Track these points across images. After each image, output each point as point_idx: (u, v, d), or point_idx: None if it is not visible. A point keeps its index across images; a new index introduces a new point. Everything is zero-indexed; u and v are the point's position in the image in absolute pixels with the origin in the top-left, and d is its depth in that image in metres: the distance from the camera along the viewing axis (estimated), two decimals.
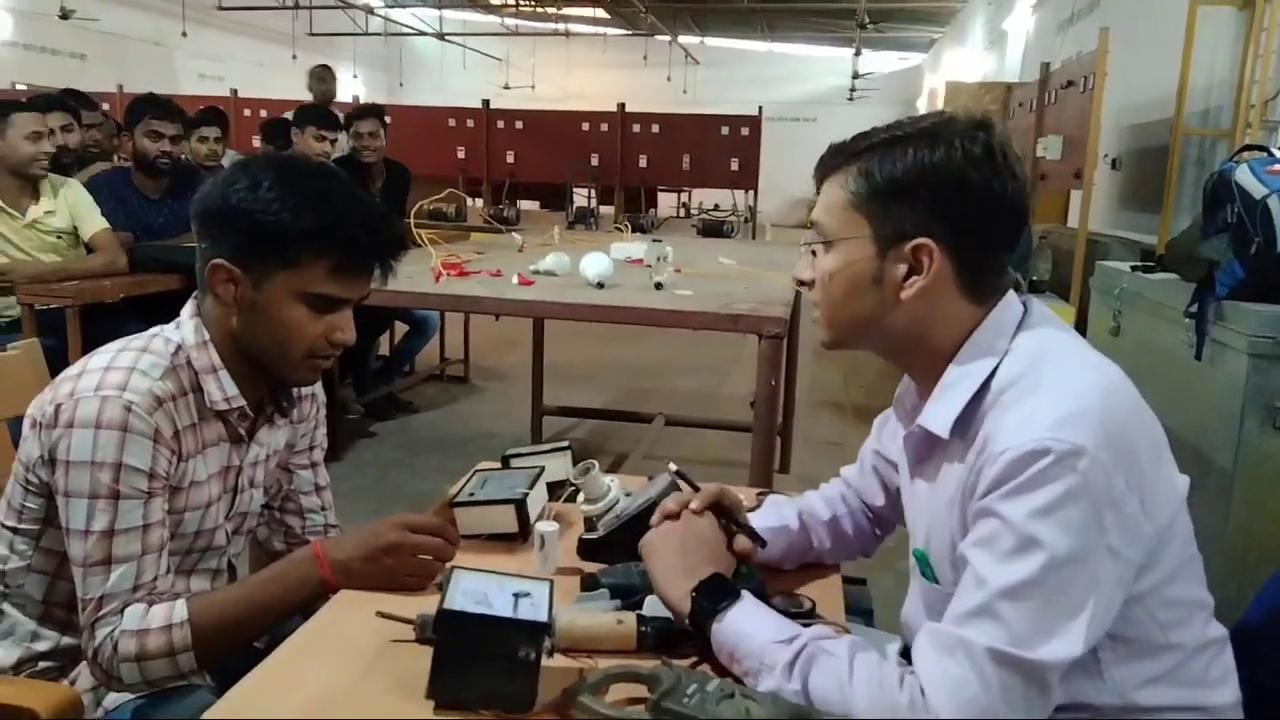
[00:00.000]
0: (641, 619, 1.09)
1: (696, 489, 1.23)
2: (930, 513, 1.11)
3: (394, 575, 1.23)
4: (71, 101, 4.50)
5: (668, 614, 1.09)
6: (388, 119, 4.89)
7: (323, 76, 6.10)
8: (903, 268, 1.04)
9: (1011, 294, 1.08)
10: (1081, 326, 3.97)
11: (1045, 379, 0.99)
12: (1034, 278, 4.76)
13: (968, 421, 1.03)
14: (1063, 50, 7.20)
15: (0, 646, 1.29)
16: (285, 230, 1.20)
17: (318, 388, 1.51)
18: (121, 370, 1.20)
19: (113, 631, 1.16)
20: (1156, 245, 4.14)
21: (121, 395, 1.18)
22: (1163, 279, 2.82)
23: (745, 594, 1.05)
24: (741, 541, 1.21)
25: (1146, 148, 5.52)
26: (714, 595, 1.05)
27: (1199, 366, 2.40)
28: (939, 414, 1.05)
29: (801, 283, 1.13)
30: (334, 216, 1.22)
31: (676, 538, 1.14)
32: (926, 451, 1.11)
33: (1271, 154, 2.43)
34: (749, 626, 1.02)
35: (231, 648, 1.21)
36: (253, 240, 1.22)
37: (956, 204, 1.02)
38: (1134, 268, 3.12)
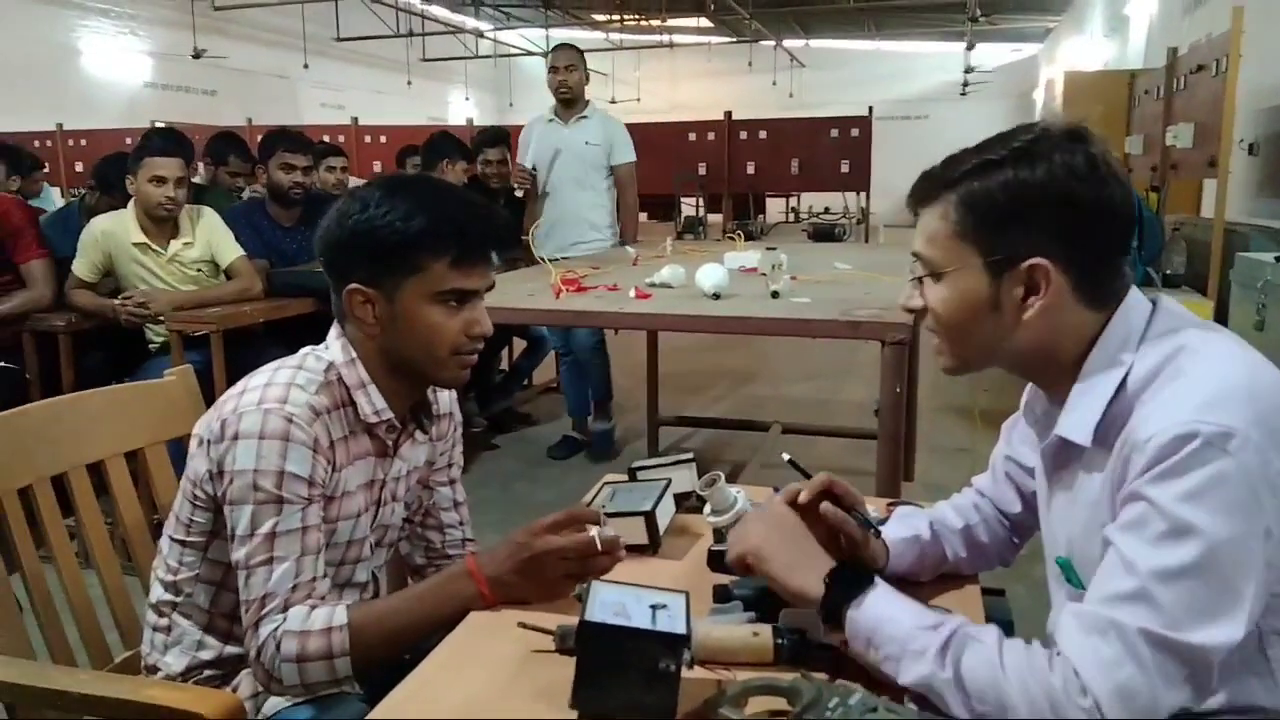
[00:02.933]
0: (777, 631, 1.10)
1: (808, 476, 1.22)
2: (1072, 520, 1.09)
3: (548, 582, 1.25)
4: (229, 147, 4.72)
5: (803, 627, 1.09)
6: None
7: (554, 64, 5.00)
8: (1020, 289, 1.04)
9: (1136, 293, 1.07)
10: (1221, 322, 3.78)
11: (1185, 368, 0.97)
12: (1167, 271, 4.55)
13: (1107, 427, 1.01)
14: (1190, 33, 6.87)
15: (170, 654, 1.38)
16: (402, 238, 1.28)
17: (455, 408, 1.58)
18: (281, 386, 1.28)
19: (275, 630, 1.21)
20: None
21: (283, 407, 1.25)
22: None
23: (879, 580, 1.05)
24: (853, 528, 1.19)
25: None
26: (848, 581, 1.04)
27: None
28: (1078, 422, 1.04)
29: (910, 310, 1.14)
30: (443, 215, 1.30)
31: (775, 534, 1.13)
32: (1065, 460, 1.10)
33: None
34: (889, 611, 1.01)
35: (383, 657, 1.24)
36: (376, 257, 1.29)
37: (1067, 220, 1.01)
38: (1278, 258, 2.96)
